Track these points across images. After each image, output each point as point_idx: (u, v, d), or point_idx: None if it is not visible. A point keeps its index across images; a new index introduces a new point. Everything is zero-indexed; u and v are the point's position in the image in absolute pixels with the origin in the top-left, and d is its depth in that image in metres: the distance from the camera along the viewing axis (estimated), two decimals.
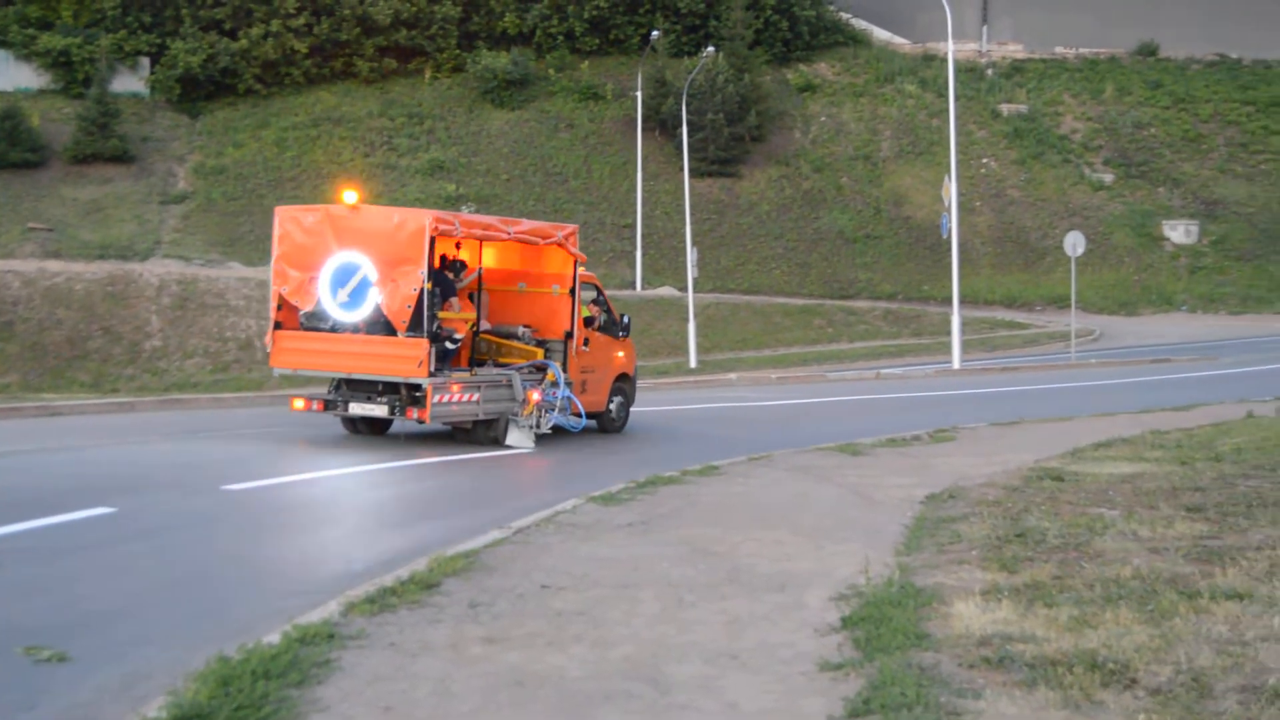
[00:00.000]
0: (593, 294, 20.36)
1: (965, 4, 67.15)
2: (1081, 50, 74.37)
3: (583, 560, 9.77)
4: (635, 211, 50.67)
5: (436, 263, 17.45)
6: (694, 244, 46.23)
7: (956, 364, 37.77)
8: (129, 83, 61.88)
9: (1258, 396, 25.00)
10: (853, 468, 15.94)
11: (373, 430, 18.26)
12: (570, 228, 20.23)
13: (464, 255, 19.07)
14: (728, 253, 56.39)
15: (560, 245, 19.36)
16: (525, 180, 59.55)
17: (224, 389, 35.79)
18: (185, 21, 61.89)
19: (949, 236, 39.33)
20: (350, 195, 17.02)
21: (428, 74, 66.05)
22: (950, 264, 38.81)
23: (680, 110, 53.50)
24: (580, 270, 19.32)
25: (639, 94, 55.72)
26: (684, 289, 44.65)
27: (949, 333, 38.07)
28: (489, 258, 19.88)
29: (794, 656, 6.96)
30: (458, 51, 65.81)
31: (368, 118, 63.41)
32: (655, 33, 60.62)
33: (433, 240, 16.85)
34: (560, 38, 66.91)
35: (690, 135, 53.94)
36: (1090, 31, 73.56)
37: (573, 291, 19.18)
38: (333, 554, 11.28)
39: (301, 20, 62.53)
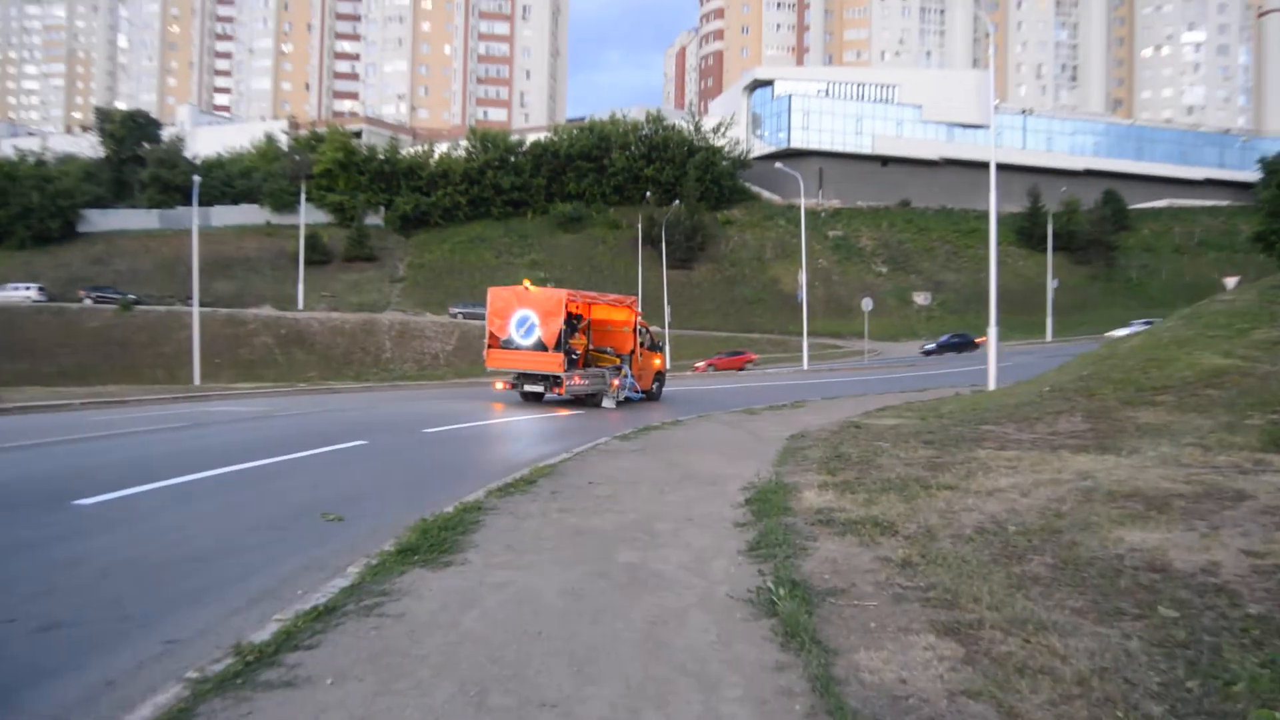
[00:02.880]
0: (644, 332, 26.10)
1: (810, 179, 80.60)
2: (870, 203, 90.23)
3: (610, 468, 11.49)
4: (638, 287, 59.57)
5: (567, 315, 22.94)
6: (669, 303, 57.12)
7: (805, 367, 46.84)
8: (373, 219, 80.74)
9: (961, 384, 29.20)
10: (751, 421, 18.47)
11: (535, 399, 23.57)
12: (633, 297, 26.96)
13: (581, 312, 24.44)
14: (686, 309, 67.77)
15: (628, 306, 25.68)
16: (580, 271, 72.02)
17: (426, 378, 46.66)
18: (403, 188, 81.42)
19: (802, 301, 49.79)
20: (527, 282, 23.58)
21: (529, 215, 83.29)
22: (802, 315, 48.88)
23: (661, 234, 67.67)
24: (638, 318, 25.55)
25: (639, 226, 68.52)
26: (663, 326, 54.48)
27: (802, 350, 47.99)
28: (594, 313, 25.32)
29: (721, 519, 8.34)
30: (545, 203, 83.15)
31: (498, 238, 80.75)
32: (647, 194, 77.51)
33: (565, 304, 22.91)
34: (598, 195, 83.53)
35: (667, 247, 67.42)
36: (874, 194, 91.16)
37: (634, 330, 25.24)
38: (499, 461, 13.01)
39: (463, 187, 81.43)
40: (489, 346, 23.58)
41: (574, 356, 23.66)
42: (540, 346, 22.75)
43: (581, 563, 6.91)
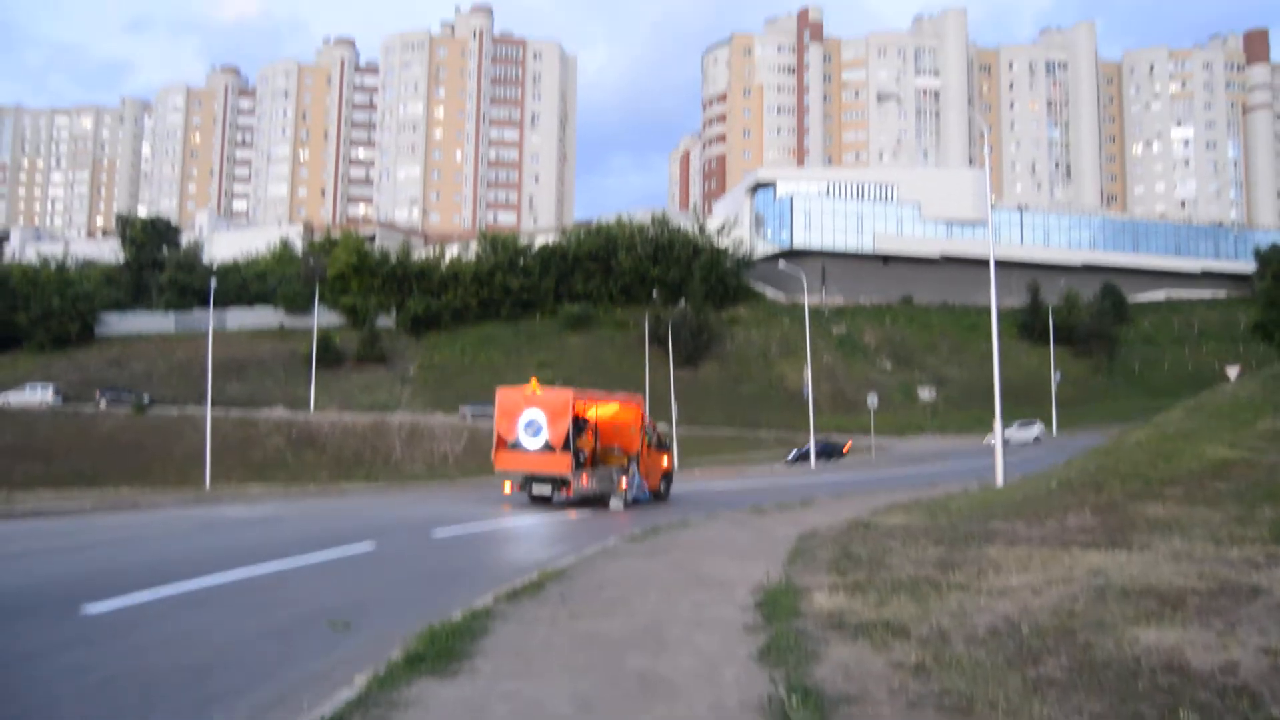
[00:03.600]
0: (652, 431, 25.70)
1: (813, 277, 79.51)
2: (873, 299, 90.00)
3: (618, 571, 11.35)
4: (645, 386, 60.23)
5: (574, 415, 22.25)
6: (675, 402, 56.42)
7: (813, 465, 46.67)
8: (385, 321, 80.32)
9: (969, 479, 27.70)
10: (759, 520, 18.21)
11: (543, 501, 22.77)
12: (639, 397, 26.95)
13: (588, 412, 23.92)
14: (692, 407, 65.51)
15: (635, 406, 25.38)
16: (588, 370, 70.05)
17: (436, 479, 46.36)
18: (414, 290, 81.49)
19: (808, 397, 50.28)
20: (534, 383, 23.23)
21: (537, 316, 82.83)
22: (809, 411, 49.26)
23: (668, 333, 67.39)
24: (645, 418, 25.10)
25: (645, 325, 67.28)
26: (670, 424, 53.89)
27: (809, 442, 47.92)
28: (601, 412, 24.80)
29: (731, 623, 8.20)
30: (553, 303, 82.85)
31: (507, 338, 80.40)
32: (654, 294, 76.57)
33: (572, 404, 22.24)
34: (605, 296, 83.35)
35: (673, 346, 67.10)
36: (877, 291, 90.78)
37: (641, 429, 24.66)
38: (507, 564, 12.91)
39: (473, 289, 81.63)
40: (497, 448, 23.05)
41: (582, 457, 22.93)
42: (548, 448, 22.20)
43: (591, 670, 6.79)
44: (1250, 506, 13.61)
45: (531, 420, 22.40)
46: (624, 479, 23.44)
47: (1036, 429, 56.31)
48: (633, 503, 23.57)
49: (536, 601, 9.36)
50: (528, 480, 22.85)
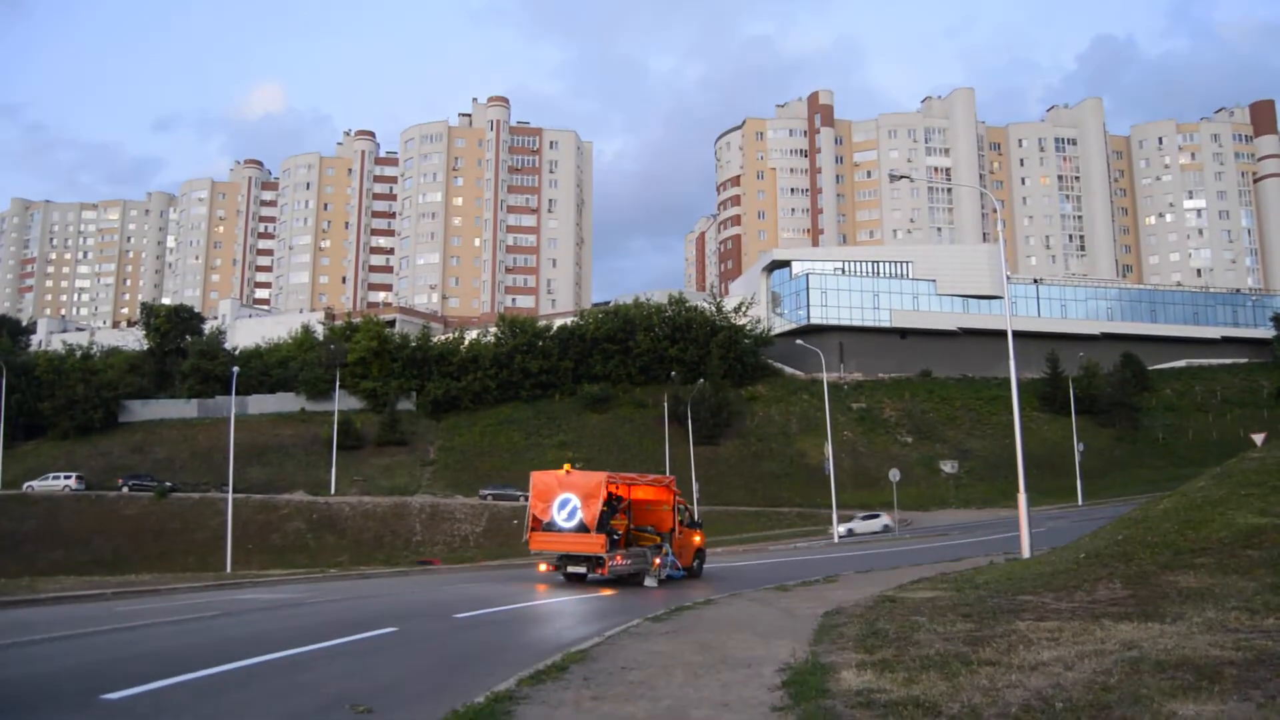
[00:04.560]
0: (683, 510, 26.28)
1: (831, 353, 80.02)
2: (892, 374, 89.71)
3: (643, 652, 11.15)
4: (665, 465, 58.97)
5: (607, 496, 22.85)
6: (696, 480, 56.57)
7: (835, 539, 46.49)
8: (405, 404, 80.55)
9: (995, 552, 27.84)
10: (784, 598, 18.05)
11: (578, 580, 23.37)
12: (670, 477, 27.22)
13: (621, 492, 24.24)
14: (713, 485, 66.60)
15: (666, 487, 25.96)
16: (608, 450, 71.56)
17: (457, 561, 45.94)
18: (434, 373, 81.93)
19: (829, 473, 49.85)
20: (567, 466, 24.29)
21: (557, 396, 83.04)
22: (830, 486, 49.01)
23: (687, 412, 67.93)
24: (676, 497, 25.66)
25: (665, 404, 68.25)
26: (692, 502, 52.95)
27: (831, 523, 47.59)
28: (634, 493, 25.15)
29: (758, 704, 8.07)
30: (572, 384, 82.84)
31: (527, 419, 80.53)
32: (672, 373, 77.09)
33: (606, 485, 22.88)
34: (624, 376, 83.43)
35: (692, 425, 67.25)
36: (895, 366, 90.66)
37: (673, 508, 25.39)
38: (530, 647, 12.61)
39: (493, 371, 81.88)
40: (531, 529, 23.59)
41: (615, 536, 23.45)
42: (582, 528, 22.71)
43: None
44: None
45: (566, 501, 22.95)
46: (658, 558, 23.97)
47: (882, 519, 55.43)
48: (666, 579, 24.02)
49: (559, 684, 9.22)
50: (563, 559, 23.34)
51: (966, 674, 8.48)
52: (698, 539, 27.12)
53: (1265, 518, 17.48)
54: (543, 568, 24.16)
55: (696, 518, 28.29)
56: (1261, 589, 12.28)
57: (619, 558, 22.87)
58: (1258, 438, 39.92)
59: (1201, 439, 79.60)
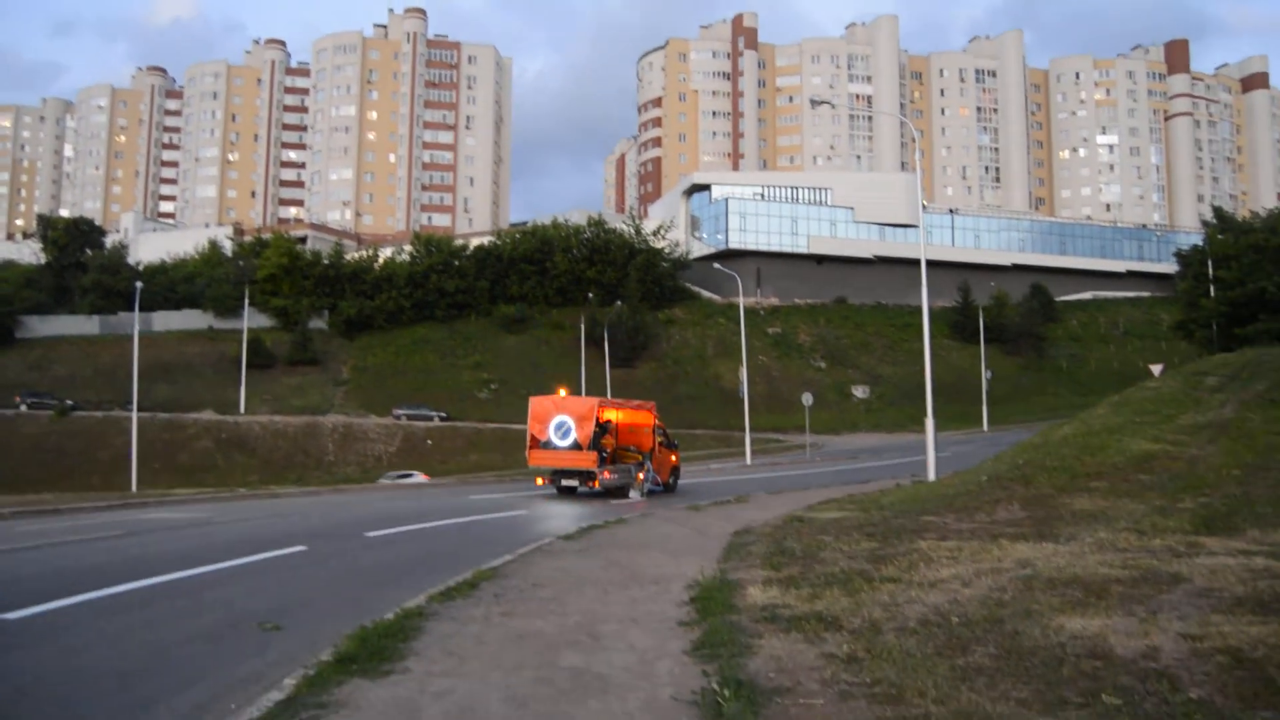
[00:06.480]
0: (662, 432, 28.67)
1: (748, 278, 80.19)
2: (808, 300, 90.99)
3: (554, 570, 11.23)
4: (581, 386, 58.17)
5: (597, 418, 25.43)
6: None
7: (749, 461, 46.38)
8: (317, 323, 79.27)
9: (903, 475, 27.97)
10: (695, 517, 18.23)
11: (569, 492, 25.62)
12: (651, 403, 29.61)
13: (609, 416, 27.13)
14: None
15: (648, 411, 28.49)
16: (524, 372, 71.26)
17: (366, 480, 45.83)
18: (347, 292, 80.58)
19: (744, 396, 50.33)
20: (562, 390, 27.25)
21: (472, 317, 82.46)
22: (744, 410, 49.48)
23: (604, 334, 67.85)
24: (656, 421, 28.12)
25: (582, 326, 67.97)
26: None
27: (744, 445, 47.98)
28: (620, 416, 27.94)
29: (665, 619, 8.25)
30: (489, 305, 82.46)
31: (442, 340, 79.95)
32: (590, 295, 77.12)
33: (597, 409, 25.56)
34: (541, 298, 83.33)
35: (609, 347, 67.26)
36: (811, 292, 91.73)
37: (653, 430, 27.82)
38: (441, 565, 12.11)
39: (407, 291, 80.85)
40: (530, 447, 26.05)
41: (604, 454, 25.89)
42: (576, 446, 25.20)
43: (524, 668, 6.72)
44: (1172, 497, 13.98)
45: (562, 423, 25.45)
46: (641, 473, 26.46)
47: (415, 478, 52.66)
48: (648, 493, 26.34)
49: (470, 601, 9.27)
50: (557, 474, 25.85)
51: (868, 590, 8.72)
52: (674, 458, 29.50)
53: (1157, 444, 18.25)
54: (539, 481, 26.76)
55: (674, 439, 30.50)
56: (1150, 511, 12.87)
57: (608, 473, 25.38)
58: (1155, 368, 41.50)
59: (1104, 368, 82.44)
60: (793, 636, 7.23)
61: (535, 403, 26.47)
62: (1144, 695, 5.37)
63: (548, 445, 25.59)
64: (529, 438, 26.02)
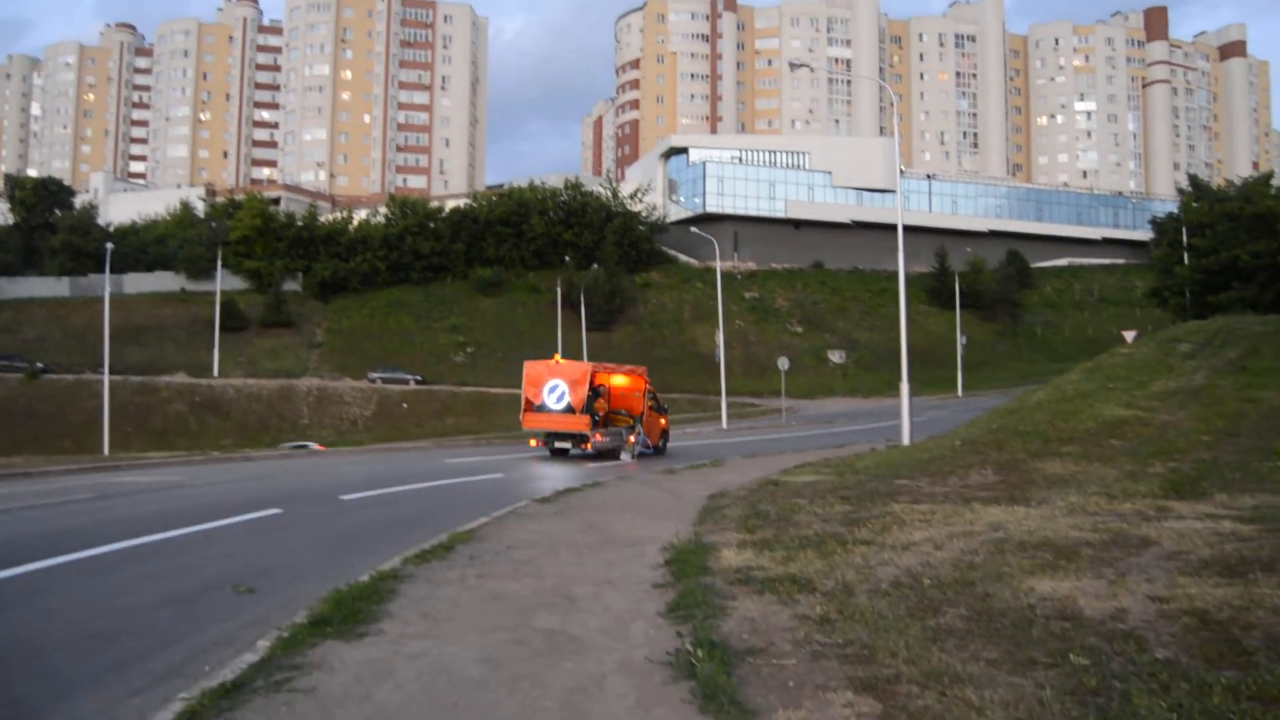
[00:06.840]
0: (652, 397, 29.11)
1: (725, 242, 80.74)
2: (785, 265, 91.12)
3: (529, 533, 11.24)
4: (559, 349, 57.35)
5: (591, 382, 25.87)
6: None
7: (725, 426, 46.08)
8: (291, 285, 79.02)
9: (878, 439, 28.04)
10: (671, 480, 18.37)
11: (562, 454, 25.96)
12: (643, 368, 30.23)
13: (601, 380, 27.47)
14: None
15: (640, 375, 29.07)
16: (501, 334, 71.94)
17: (338, 444, 43.46)
18: (321, 254, 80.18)
19: (720, 361, 49.71)
20: (557, 356, 27.74)
21: (448, 280, 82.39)
22: (720, 374, 48.76)
23: (580, 298, 67.54)
24: (647, 385, 28.63)
25: (559, 289, 68.24)
26: None
27: (720, 409, 47.72)
28: (612, 381, 28.46)
29: (640, 581, 8.29)
30: (465, 267, 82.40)
31: (417, 302, 79.83)
32: (566, 259, 77.20)
33: (590, 374, 26.01)
34: (517, 260, 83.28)
35: (586, 310, 67.25)
36: (788, 257, 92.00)
37: (643, 394, 28.37)
38: (416, 527, 12.01)
39: (382, 253, 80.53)
40: (524, 410, 26.51)
41: (597, 418, 26.29)
42: (569, 410, 25.69)
43: (499, 629, 6.76)
44: (1142, 462, 14.14)
45: (555, 386, 25.95)
46: (631, 436, 27.12)
47: (311, 446, 51.75)
48: (639, 455, 26.95)
49: (445, 563, 9.29)
50: (550, 437, 26.38)
51: (842, 553, 8.78)
52: (663, 421, 30.02)
53: (1129, 410, 18.43)
54: (533, 443, 27.46)
55: (664, 403, 31.12)
56: (1121, 476, 13.03)
57: (600, 436, 25.91)
58: (1129, 335, 41.84)
59: (1078, 335, 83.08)
60: (766, 598, 7.29)
61: (530, 366, 26.94)
62: (1111, 656, 5.44)
63: (542, 408, 26.05)
64: (523, 401, 26.39)
